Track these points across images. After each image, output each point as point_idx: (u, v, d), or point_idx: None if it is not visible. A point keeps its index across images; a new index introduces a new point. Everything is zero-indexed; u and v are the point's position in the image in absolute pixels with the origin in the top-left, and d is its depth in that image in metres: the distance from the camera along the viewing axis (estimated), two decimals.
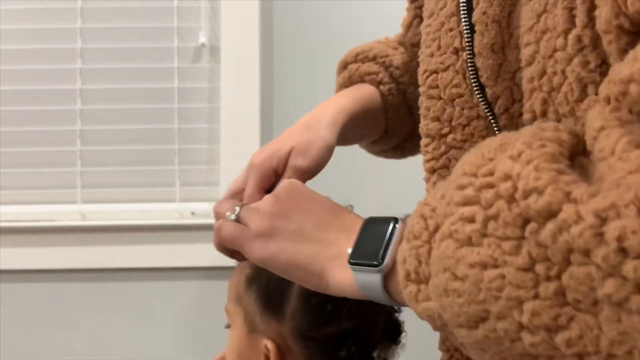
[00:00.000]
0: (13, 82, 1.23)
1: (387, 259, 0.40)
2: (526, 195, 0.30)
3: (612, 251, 0.27)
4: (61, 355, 1.18)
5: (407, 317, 0.69)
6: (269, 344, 0.64)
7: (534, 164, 0.30)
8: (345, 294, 0.44)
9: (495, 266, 0.30)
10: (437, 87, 0.47)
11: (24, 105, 1.23)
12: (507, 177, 0.31)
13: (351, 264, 0.42)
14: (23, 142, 1.23)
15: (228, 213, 0.52)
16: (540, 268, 0.29)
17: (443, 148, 0.48)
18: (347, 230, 0.45)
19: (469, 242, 0.32)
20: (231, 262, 1.24)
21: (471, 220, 0.32)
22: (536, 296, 0.29)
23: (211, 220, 1.21)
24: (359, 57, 0.75)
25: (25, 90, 1.23)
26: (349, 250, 0.43)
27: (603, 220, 0.27)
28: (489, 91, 0.44)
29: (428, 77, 0.48)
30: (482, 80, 0.44)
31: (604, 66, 0.34)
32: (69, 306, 1.19)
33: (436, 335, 0.47)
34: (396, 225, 0.41)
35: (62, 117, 1.23)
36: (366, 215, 0.47)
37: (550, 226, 0.28)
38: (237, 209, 0.51)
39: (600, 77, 0.34)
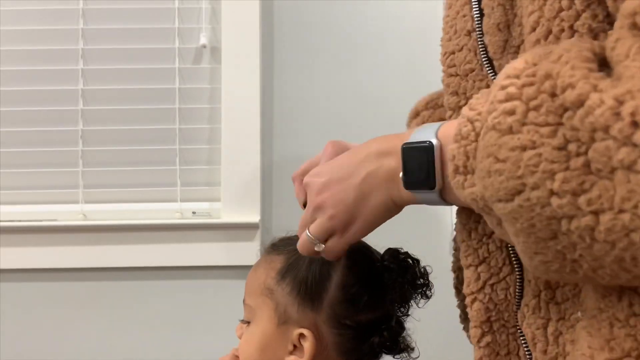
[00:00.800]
0: (15, 83, 1.24)
1: (438, 180, 0.48)
2: (564, 89, 0.36)
3: (626, 124, 0.34)
4: (62, 355, 1.18)
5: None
6: (306, 332, 0.67)
7: (571, 64, 0.37)
8: (410, 204, 0.53)
9: (534, 147, 0.37)
10: (454, 65, 0.55)
11: (26, 106, 1.24)
12: (548, 75, 0.37)
13: (408, 189, 0.51)
14: (25, 143, 1.23)
15: (315, 248, 0.60)
16: (571, 146, 0.36)
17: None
18: (387, 155, 0.53)
19: (509, 130, 0.38)
20: (231, 261, 1.25)
21: (512, 112, 0.38)
22: (567, 168, 0.36)
23: (211, 220, 1.23)
24: (430, 105, 0.82)
25: (28, 91, 1.24)
26: (401, 175, 0.51)
27: (620, 102, 0.34)
28: (496, 64, 0.50)
29: (447, 57, 0.57)
30: (490, 54, 0.51)
31: (610, 17, 0.41)
32: (69, 306, 1.19)
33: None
34: (433, 148, 0.48)
35: (64, 117, 1.23)
36: None
37: (580, 112, 0.35)
38: (309, 235, 0.60)
39: (609, 26, 0.41)
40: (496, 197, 0.40)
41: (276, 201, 1.20)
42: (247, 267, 1.17)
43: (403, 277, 0.68)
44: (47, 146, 1.23)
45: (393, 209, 0.54)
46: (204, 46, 1.22)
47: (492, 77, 0.51)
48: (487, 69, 0.51)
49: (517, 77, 0.39)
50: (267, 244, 0.78)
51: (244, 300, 0.75)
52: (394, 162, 0.52)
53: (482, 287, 0.51)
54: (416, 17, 1.23)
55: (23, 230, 1.18)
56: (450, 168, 0.45)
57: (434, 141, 0.48)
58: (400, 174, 0.51)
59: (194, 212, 1.21)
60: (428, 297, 0.70)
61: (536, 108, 0.37)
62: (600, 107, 0.35)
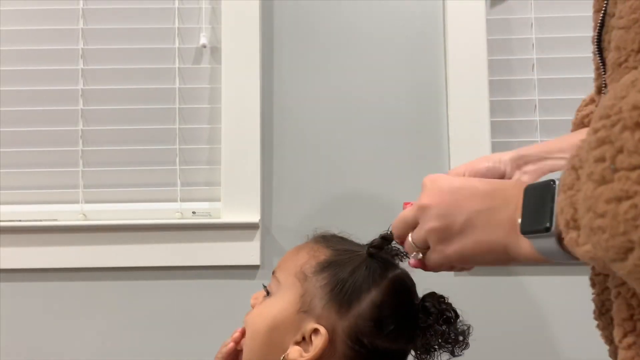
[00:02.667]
0: (15, 83, 1.24)
1: (555, 222, 0.42)
2: None
3: None
4: (62, 355, 1.18)
5: None
6: (322, 330, 0.66)
7: None
8: (530, 260, 0.47)
9: (628, 197, 0.32)
10: (622, 17, 0.48)
11: (26, 106, 1.24)
12: (634, 107, 0.33)
13: (524, 233, 0.45)
14: (25, 143, 1.23)
15: (414, 254, 0.58)
16: None
17: (618, 77, 0.49)
18: (511, 201, 0.48)
19: (603, 180, 0.34)
20: (231, 261, 1.25)
21: (602, 159, 0.34)
22: None
23: (211, 220, 1.23)
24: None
25: (28, 91, 1.24)
26: (519, 221, 0.46)
27: None
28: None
29: (621, 10, 0.49)
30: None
31: None
32: (70, 305, 1.19)
33: None
34: (554, 186, 0.43)
35: (64, 117, 1.23)
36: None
37: None
38: (410, 241, 0.57)
39: None
40: (608, 258, 0.35)
41: (276, 201, 1.20)
42: (247, 267, 1.18)
43: (438, 323, 0.67)
44: (47, 146, 1.23)
45: (502, 255, 0.49)
46: (204, 46, 1.22)
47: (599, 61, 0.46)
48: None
49: (608, 116, 0.35)
50: (317, 233, 0.76)
51: (274, 272, 0.74)
52: (518, 208, 0.47)
53: (624, 282, 0.44)
54: (417, 17, 1.23)
55: (23, 230, 1.18)
56: (561, 223, 0.40)
57: (557, 182, 0.43)
58: (519, 220, 0.46)
59: (194, 212, 1.21)
60: (454, 355, 0.69)
61: (621, 149, 0.33)
62: None
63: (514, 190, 0.49)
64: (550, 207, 0.43)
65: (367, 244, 0.71)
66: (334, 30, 1.23)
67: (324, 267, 0.69)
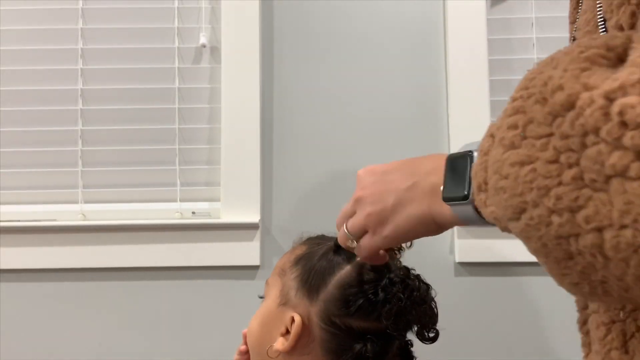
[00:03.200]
0: (15, 83, 1.24)
1: (472, 192, 0.45)
2: (553, 93, 0.34)
3: (615, 125, 0.30)
4: (61, 355, 1.18)
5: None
6: (297, 317, 0.68)
7: (563, 67, 0.34)
8: (453, 225, 0.52)
9: (530, 162, 0.35)
10: (580, 30, 0.51)
11: (25, 106, 1.24)
12: (544, 83, 0.35)
13: (445, 200, 0.49)
14: (25, 143, 1.23)
15: (348, 243, 0.61)
16: (563, 158, 0.33)
17: None
18: (432, 172, 0.52)
19: (512, 145, 0.37)
20: (231, 261, 1.25)
21: (515, 126, 0.37)
22: (560, 183, 0.33)
23: (211, 220, 1.23)
24: None
25: (27, 90, 1.24)
26: (441, 188, 0.50)
27: (611, 100, 0.31)
28: (607, 24, 0.46)
29: (579, 23, 0.52)
30: (603, 14, 0.46)
31: None
32: (69, 306, 1.19)
33: None
34: (472, 155, 0.47)
35: (64, 117, 1.23)
36: None
37: (570, 114, 0.32)
38: (345, 230, 0.61)
39: None
40: (506, 216, 0.38)
41: (276, 201, 1.20)
42: (247, 267, 1.17)
43: (403, 293, 0.67)
44: (46, 146, 1.23)
45: (431, 224, 0.53)
46: (204, 46, 1.22)
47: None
48: (602, 30, 0.46)
49: (526, 87, 0.37)
50: (306, 236, 0.80)
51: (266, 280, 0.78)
52: (440, 178, 0.51)
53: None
54: (417, 17, 1.23)
55: (23, 230, 1.18)
56: (474, 185, 0.43)
57: (475, 153, 0.46)
58: (442, 187, 0.50)
59: (193, 212, 1.21)
60: (434, 331, 0.70)
61: (532, 120, 0.35)
62: (590, 106, 0.31)
63: (436, 161, 0.53)
64: (469, 175, 0.46)
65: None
66: (334, 29, 1.23)
67: (298, 260, 0.73)
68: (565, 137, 0.33)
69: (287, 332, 0.70)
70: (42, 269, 1.18)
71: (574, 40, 0.51)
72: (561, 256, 0.35)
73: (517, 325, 1.18)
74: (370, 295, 0.68)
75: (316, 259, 0.71)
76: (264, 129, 1.21)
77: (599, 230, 0.32)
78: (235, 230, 1.17)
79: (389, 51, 1.22)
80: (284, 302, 0.71)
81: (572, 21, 0.54)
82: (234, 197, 1.17)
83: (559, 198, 0.33)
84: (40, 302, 1.19)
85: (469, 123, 1.18)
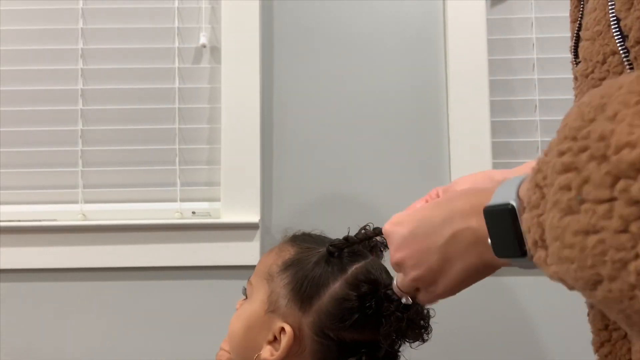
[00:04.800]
0: (15, 83, 1.24)
1: (529, 247, 0.41)
2: (618, 150, 0.30)
3: None
4: (62, 355, 1.18)
5: None
6: (287, 328, 0.67)
7: (628, 121, 0.30)
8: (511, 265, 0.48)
9: (595, 232, 0.31)
10: (588, 29, 0.48)
11: (25, 106, 1.23)
12: (601, 138, 0.31)
13: (500, 257, 0.45)
14: (25, 143, 1.23)
15: (404, 299, 0.61)
16: (634, 227, 0.29)
17: (585, 88, 0.49)
18: (468, 218, 0.49)
19: (569, 210, 0.32)
20: (231, 261, 1.24)
21: (568, 187, 0.33)
22: (637, 256, 0.29)
23: (211, 220, 1.22)
24: None
25: (27, 90, 1.24)
26: (489, 242, 0.46)
27: None
28: (622, 24, 0.44)
29: (587, 22, 0.50)
30: (616, 12, 0.44)
31: None
32: (69, 306, 1.19)
33: None
34: (514, 209, 0.43)
35: (64, 117, 1.23)
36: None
37: None
38: (396, 287, 0.60)
39: None
40: (578, 286, 0.34)
41: (276, 201, 1.20)
42: (247, 267, 1.17)
43: (402, 311, 0.66)
44: (46, 146, 1.23)
45: (486, 270, 0.51)
46: (204, 46, 1.22)
47: (619, 41, 0.44)
48: (614, 29, 0.44)
49: (574, 138, 0.33)
50: (290, 233, 0.78)
51: (249, 278, 0.76)
52: (481, 224, 0.46)
53: None
54: (417, 17, 1.23)
55: (23, 230, 1.18)
56: (529, 242, 0.39)
57: (514, 203, 0.42)
58: (489, 241, 0.46)
59: (193, 212, 1.21)
60: (424, 341, 0.69)
61: (587, 180, 0.31)
62: None
63: (467, 200, 0.50)
64: (516, 231, 0.42)
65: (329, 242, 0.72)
66: (334, 30, 1.23)
67: (288, 265, 0.71)
68: (634, 203, 0.29)
69: (275, 339, 0.68)
70: (42, 269, 1.18)
71: (576, 39, 0.50)
72: None
73: (517, 326, 1.17)
74: (366, 310, 0.66)
75: (309, 268, 0.69)
76: (264, 129, 1.21)
77: None
78: (235, 230, 1.17)
79: (389, 51, 1.22)
80: (273, 310, 0.69)
81: (574, 20, 0.52)
82: (234, 197, 1.17)
83: (639, 273, 0.29)
84: (40, 302, 1.19)
85: (469, 123, 1.18)
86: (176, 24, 1.24)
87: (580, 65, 0.49)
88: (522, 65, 1.23)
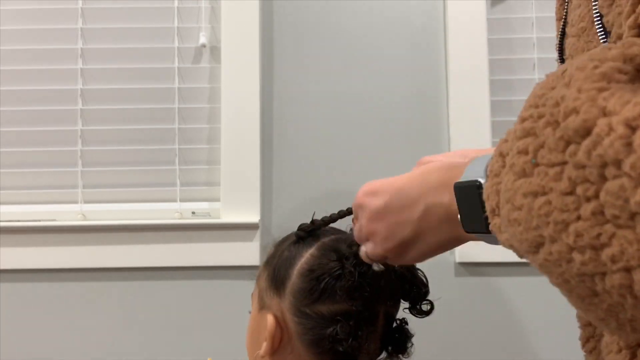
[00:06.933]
0: (14, 83, 1.23)
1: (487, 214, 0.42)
2: (566, 117, 0.30)
3: (638, 157, 0.27)
4: (62, 355, 1.18)
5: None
6: (269, 317, 0.67)
7: (577, 86, 0.30)
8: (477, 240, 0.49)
9: (544, 193, 0.32)
10: (573, 25, 0.48)
11: (25, 106, 1.23)
12: (556, 104, 0.32)
13: (468, 232, 0.46)
14: (24, 142, 1.23)
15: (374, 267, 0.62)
16: (580, 190, 0.30)
17: None
18: (441, 194, 0.49)
19: (523, 173, 0.33)
20: (231, 262, 1.25)
21: (525, 151, 0.33)
22: (579, 218, 0.30)
23: (211, 220, 1.22)
24: None
25: (27, 90, 1.24)
26: (459, 218, 0.47)
27: (633, 129, 0.27)
28: (604, 20, 0.43)
29: (572, 18, 0.50)
30: (599, 8, 0.44)
31: None
32: (69, 306, 1.19)
33: None
34: (481, 186, 0.43)
35: (63, 117, 1.23)
36: None
37: (586, 143, 0.29)
38: (366, 256, 0.60)
39: None
40: (522, 249, 0.35)
41: (276, 201, 1.20)
42: (246, 267, 1.17)
43: (355, 267, 0.64)
44: (46, 146, 1.23)
45: (456, 243, 0.52)
46: (204, 46, 1.22)
47: (602, 36, 0.44)
48: (597, 25, 0.44)
49: (536, 105, 0.34)
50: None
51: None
52: (453, 200, 0.47)
53: None
54: (417, 17, 1.23)
55: (22, 230, 1.18)
56: (487, 210, 0.39)
57: (482, 179, 0.43)
58: (459, 216, 0.47)
59: (193, 212, 1.21)
60: (423, 312, 0.68)
61: (543, 144, 0.32)
62: (609, 135, 0.28)
63: (438, 175, 0.50)
64: (483, 207, 0.43)
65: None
66: (334, 30, 1.23)
67: (267, 261, 0.73)
68: (581, 166, 0.30)
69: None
70: (42, 269, 1.18)
71: (562, 37, 0.50)
72: (585, 293, 0.32)
73: (517, 326, 1.17)
74: (331, 277, 0.65)
75: (279, 255, 0.70)
76: (264, 129, 1.21)
77: (627, 270, 0.29)
78: (235, 230, 1.17)
79: (389, 51, 1.22)
80: (262, 306, 0.70)
81: (559, 18, 0.52)
82: (233, 197, 1.17)
83: (579, 235, 0.30)
84: (40, 302, 1.19)
85: (469, 123, 1.18)
86: (176, 24, 1.24)
87: (567, 62, 0.49)
88: (522, 65, 1.23)
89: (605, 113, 0.28)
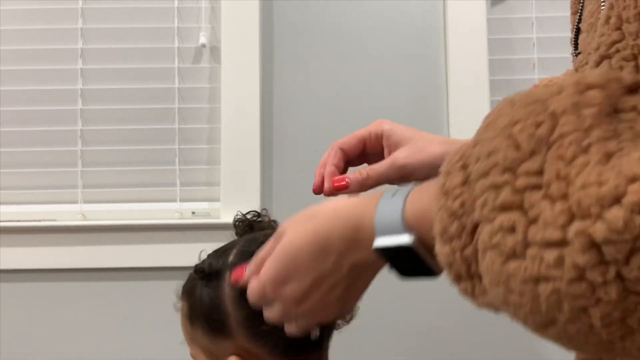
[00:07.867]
0: (14, 83, 1.23)
1: (439, 267, 0.39)
2: (584, 187, 0.28)
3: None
4: (62, 355, 1.18)
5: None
6: (233, 358, 0.64)
7: (592, 169, 0.28)
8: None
9: (547, 280, 0.29)
10: (585, 21, 0.47)
11: (25, 106, 1.23)
12: (558, 177, 0.29)
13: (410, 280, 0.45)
14: (24, 142, 1.23)
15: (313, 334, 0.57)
16: (590, 275, 0.27)
17: None
18: (362, 241, 0.45)
19: (513, 254, 0.30)
20: None
21: (512, 229, 0.30)
22: (599, 301, 0.28)
23: (211, 220, 1.22)
24: None
25: (27, 90, 1.23)
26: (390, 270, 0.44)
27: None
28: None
29: (585, 14, 0.49)
30: (606, 5, 0.42)
31: None
32: (69, 306, 1.19)
33: None
34: (416, 251, 0.41)
35: (63, 117, 1.23)
36: None
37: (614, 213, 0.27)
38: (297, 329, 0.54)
39: None
40: (527, 326, 0.33)
41: (276, 201, 1.20)
42: None
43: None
44: (46, 146, 1.23)
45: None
46: (204, 46, 1.22)
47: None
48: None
49: (512, 171, 0.31)
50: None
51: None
52: (371, 253, 0.44)
53: None
54: (417, 18, 1.23)
55: (22, 230, 1.17)
56: (450, 276, 0.36)
57: (409, 239, 0.40)
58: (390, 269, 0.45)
59: (193, 212, 1.21)
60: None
61: (536, 220, 0.29)
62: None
63: (345, 238, 0.45)
64: (421, 262, 0.41)
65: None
66: (334, 29, 1.23)
67: (189, 317, 0.71)
68: (590, 247, 0.28)
69: None
70: (42, 269, 1.18)
71: (577, 32, 0.49)
72: (603, 348, 0.30)
73: (517, 326, 1.17)
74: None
75: (200, 304, 0.67)
76: (264, 129, 1.21)
77: None
78: (234, 230, 1.17)
79: (389, 51, 1.22)
80: (216, 358, 0.67)
81: (574, 12, 0.52)
82: (233, 197, 1.17)
83: (604, 317, 0.28)
84: (40, 302, 1.19)
85: (469, 123, 1.18)
86: (176, 24, 1.24)
87: (579, 56, 0.48)
88: (522, 65, 1.23)
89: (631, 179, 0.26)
